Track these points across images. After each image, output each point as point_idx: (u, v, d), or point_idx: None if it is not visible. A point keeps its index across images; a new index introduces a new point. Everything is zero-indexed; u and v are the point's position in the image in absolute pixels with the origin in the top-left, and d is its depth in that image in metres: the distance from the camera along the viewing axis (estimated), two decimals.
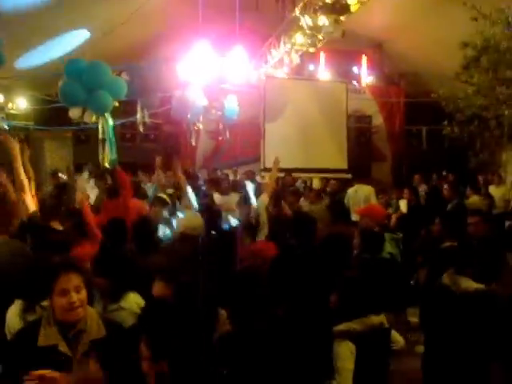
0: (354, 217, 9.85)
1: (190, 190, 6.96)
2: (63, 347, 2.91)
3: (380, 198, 10.10)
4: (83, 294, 2.95)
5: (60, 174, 12.23)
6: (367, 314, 3.34)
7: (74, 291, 2.90)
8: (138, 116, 8.59)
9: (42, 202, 5.12)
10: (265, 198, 7.02)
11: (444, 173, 14.36)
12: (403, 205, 9.97)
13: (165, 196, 6.96)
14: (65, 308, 2.89)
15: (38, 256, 3.92)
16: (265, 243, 5.22)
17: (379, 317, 3.40)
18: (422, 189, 12.00)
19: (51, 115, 16.28)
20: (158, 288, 3.22)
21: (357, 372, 3.25)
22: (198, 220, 5.52)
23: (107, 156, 7.01)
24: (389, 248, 5.01)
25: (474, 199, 9.42)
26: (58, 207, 5.18)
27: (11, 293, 3.59)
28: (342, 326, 3.36)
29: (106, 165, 7.36)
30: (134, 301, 3.71)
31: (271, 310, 4.26)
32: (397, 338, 3.72)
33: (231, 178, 12.59)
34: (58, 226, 5.06)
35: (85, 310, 2.97)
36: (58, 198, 5.65)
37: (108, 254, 3.81)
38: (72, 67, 6.39)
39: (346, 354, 3.26)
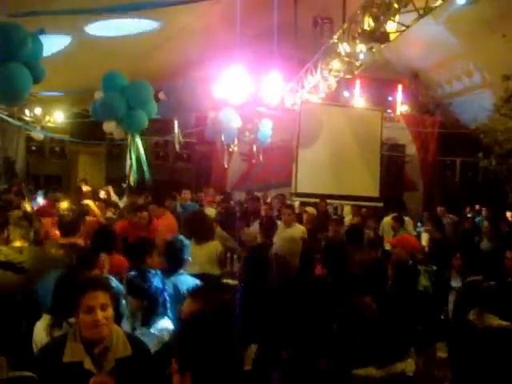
0: (388, 246, 9.82)
1: None
2: (88, 364, 2.87)
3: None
4: (109, 311, 2.92)
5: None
6: (390, 361, 3.16)
7: (99, 309, 2.87)
8: (175, 135, 8.62)
9: (61, 218, 5.08)
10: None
11: (477, 206, 14.14)
12: (425, 238, 9.79)
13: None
14: (89, 325, 2.86)
15: (68, 272, 3.91)
16: None
17: (403, 363, 3.18)
18: (446, 221, 11.82)
19: (86, 130, 16.56)
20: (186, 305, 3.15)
21: None
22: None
23: (133, 174, 7.04)
24: (423, 281, 4.88)
25: None
26: (78, 223, 5.15)
27: (40, 307, 3.59)
28: (361, 371, 3.21)
29: (131, 183, 7.40)
30: (164, 327, 3.66)
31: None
32: None
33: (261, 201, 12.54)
34: (79, 241, 5.03)
35: (110, 328, 2.93)
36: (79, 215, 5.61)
37: (139, 275, 3.78)
38: (112, 81, 6.43)
39: None
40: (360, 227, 8.02)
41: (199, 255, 5.87)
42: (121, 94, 6.32)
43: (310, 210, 10.33)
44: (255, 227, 8.13)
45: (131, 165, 6.88)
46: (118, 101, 6.27)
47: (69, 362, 2.87)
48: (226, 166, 12.03)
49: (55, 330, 3.48)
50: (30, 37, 4.89)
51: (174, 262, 4.73)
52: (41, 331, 3.52)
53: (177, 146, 9.12)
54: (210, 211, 9.40)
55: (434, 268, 5.39)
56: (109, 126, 6.56)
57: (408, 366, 3.11)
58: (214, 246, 6.25)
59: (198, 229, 6.18)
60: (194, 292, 3.07)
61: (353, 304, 3.77)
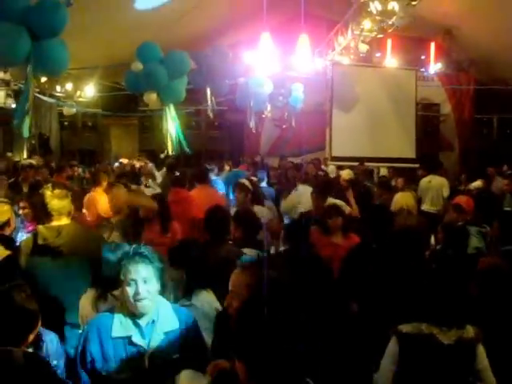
0: (425, 206, 9.69)
1: None
2: (136, 338, 2.87)
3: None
4: (152, 285, 2.90)
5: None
6: (424, 321, 3.07)
7: (141, 282, 2.85)
8: (209, 103, 8.56)
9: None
10: None
11: None
12: None
13: (246, 182, 6.86)
14: (131, 298, 2.85)
15: (111, 246, 3.91)
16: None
17: (439, 329, 3.08)
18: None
19: (118, 103, 16.64)
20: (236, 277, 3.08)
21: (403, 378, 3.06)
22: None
23: (173, 144, 6.99)
24: (475, 243, 4.74)
25: None
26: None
27: (85, 281, 3.60)
28: (399, 326, 3.16)
29: (170, 152, 7.38)
30: (206, 300, 3.64)
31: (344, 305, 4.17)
32: (485, 374, 3.05)
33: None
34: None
35: (153, 301, 2.91)
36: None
37: (185, 245, 3.76)
38: (147, 52, 6.36)
39: (388, 352, 3.10)
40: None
41: None
42: (161, 64, 6.26)
43: (346, 173, 10.18)
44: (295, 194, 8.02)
45: (170, 135, 6.83)
46: (160, 71, 6.20)
47: (117, 337, 2.87)
48: (254, 132, 11.95)
49: (101, 302, 3.49)
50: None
51: (215, 232, 4.67)
52: (87, 305, 3.54)
53: (211, 114, 9.07)
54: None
55: (488, 228, 5.19)
56: (150, 98, 6.49)
57: (442, 333, 3.02)
58: None
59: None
60: (244, 265, 3.01)
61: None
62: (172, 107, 6.72)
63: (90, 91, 14.98)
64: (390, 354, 3.09)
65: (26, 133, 5.05)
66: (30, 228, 5.35)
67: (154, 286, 2.92)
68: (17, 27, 4.71)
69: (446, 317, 3.03)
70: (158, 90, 6.39)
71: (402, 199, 7.08)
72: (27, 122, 5.01)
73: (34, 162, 10.31)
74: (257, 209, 6.27)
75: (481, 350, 3.02)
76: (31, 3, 4.84)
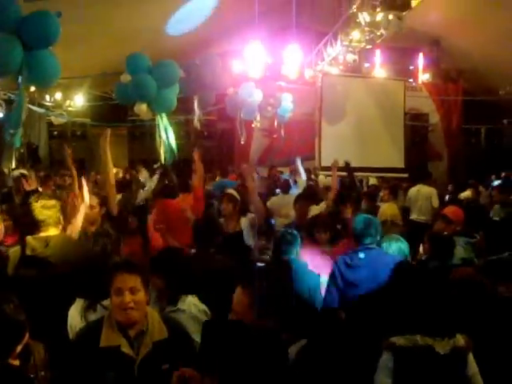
0: (414, 216, 9.76)
1: None
2: (126, 348, 2.86)
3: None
4: (140, 295, 2.90)
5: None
6: (417, 333, 3.04)
7: (128, 291, 2.85)
8: (196, 113, 8.56)
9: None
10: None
11: (503, 174, 13.91)
12: None
13: (234, 193, 6.85)
14: (119, 308, 2.86)
15: (99, 256, 3.91)
16: None
17: (432, 339, 3.03)
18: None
19: (107, 112, 16.59)
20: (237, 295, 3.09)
21: None
22: None
23: (166, 153, 7.02)
24: (462, 253, 4.75)
25: None
26: None
27: (74, 291, 3.59)
28: (391, 339, 3.16)
29: (163, 162, 7.40)
30: (191, 302, 3.65)
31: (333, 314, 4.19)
32: (476, 380, 3.10)
33: (286, 175, 12.50)
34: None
35: (141, 312, 2.91)
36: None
37: (166, 253, 3.76)
38: (136, 63, 6.37)
39: (381, 367, 3.07)
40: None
41: None
42: (150, 74, 6.27)
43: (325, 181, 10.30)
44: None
45: (163, 144, 6.85)
46: (149, 81, 6.21)
47: (106, 347, 2.86)
48: (243, 142, 11.97)
49: (90, 313, 3.48)
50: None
51: (201, 241, 4.68)
52: (75, 315, 3.52)
53: (197, 124, 9.06)
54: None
55: (478, 238, 5.20)
56: (140, 108, 6.50)
57: (439, 344, 3.03)
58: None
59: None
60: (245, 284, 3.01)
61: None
62: (164, 116, 6.74)
63: (79, 101, 14.99)
64: (385, 369, 3.07)
65: (17, 142, 5.06)
66: (9, 241, 5.24)
67: (142, 296, 2.91)
68: (10, 37, 4.72)
69: (440, 327, 3.06)
70: (147, 100, 6.40)
71: (386, 211, 7.18)
72: (19, 132, 5.02)
73: (25, 171, 10.22)
74: (243, 220, 6.27)
75: (471, 357, 3.07)
76: (23, 14, 4.85)
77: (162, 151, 6.83)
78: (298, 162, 10.87)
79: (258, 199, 6.59)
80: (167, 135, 6.82)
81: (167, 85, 6.40)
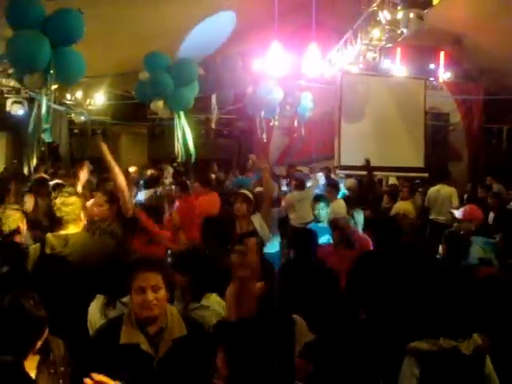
0: (433, 216, 9.69)
1: None
2: (145, 346, 2.88)
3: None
4: (161, 293, 2.92)
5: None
6: (439, 336, 3.00)
7: (150, 290, 2.87)
8: (213, 112, 8.59)
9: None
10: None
11: None
12: None
13: (248, 193, 6.84)
14: (140, 305, 2.88)
15: (121, 253, 3.93)
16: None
17: (455, 341, 2.99)
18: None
19: (127, 111, 16.72)
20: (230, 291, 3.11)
21: None
22: None
23: (182, 152, 7.05)
24: (479, 253, 4.70)
25: None
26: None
27: (95, 288, 3.61)
28: (411, 344, 3.11)
29: (179, 160, 7.44)
30: (215, 300, 3.65)
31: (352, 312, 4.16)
32: (493, 379, 3.08)
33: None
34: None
35: (162, 309, 2.93)
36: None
37: (190, 251, 3.76)
38: (154, 62, 6.43)
39: (406, 374, 3.01)
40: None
41: None
42: (167, 72, 6.31)
43: (349, 182, 10.29)
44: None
45: (180, 143, 6.89)
46: (166, 79, 6.25)
47: (125, 344, 2.88)
48: (265, 141, 11.95)
49: (109, 309, 3.50)
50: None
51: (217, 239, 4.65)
52: (95, 311, 3.55)
53: (213, 124, 9.08)
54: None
55: (497, 239, 5.14)
56: (157, 106, 6.55)
57: (464, 345, 2.99)
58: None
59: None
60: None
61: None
62: (182, 115, 6.77)
63: (99, 99, 15.07)
64: (410, 376, 3.00)
65: (48, 137, 5.11)
66: None
67: (163, 293, 2.93)
68: (38, 34, 4.77)
69: (462, 327, 3.03)
70: (164, 98, 6.44)
71: (400, 206, 7.17)
72: (49, 127, 5.08)
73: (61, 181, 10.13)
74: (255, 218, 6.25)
75: (487, 356, 3.04)
76: (48, 12, 4.91)
77: (178, 150, 6.86)
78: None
79: (269, 180, 6.49)
80: (184, 134, 6.85)
81: (185, 83, 6.45)
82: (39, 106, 5.66)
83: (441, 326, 3.04)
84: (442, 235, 4.82)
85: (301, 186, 9.41)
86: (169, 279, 3.04)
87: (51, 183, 8.80)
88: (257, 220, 6.14)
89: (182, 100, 6.53)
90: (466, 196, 11.33)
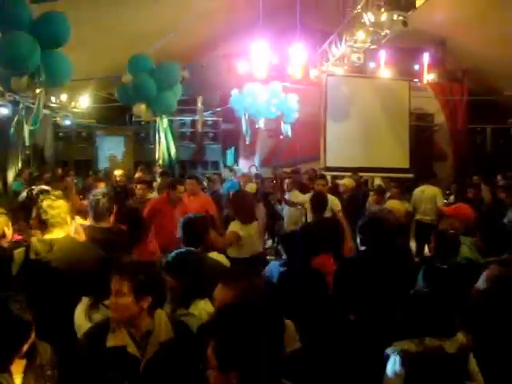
0: (419, 216, 9.76)
1: None
2: (131, 348, 2.87)
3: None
4: (123, 300, 2.85)
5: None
6: (424, 336, 3.03)
7: (114, 293, 2.87)
8: (198, 114, 8.60)
9: (96, 202, 4.93)
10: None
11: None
12: None
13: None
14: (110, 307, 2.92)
15: (105, 256, 3.90)
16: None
17: (439, 340, 3.02)
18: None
19: (112, 114, 16.65)
20: (218, 292, 3.11)
21: None
22: None
23: (163, 155, 7.05)
24: (466, 253, 4.74)
25: None
26: (112, 208, 5.04)
27: (79, 293, 3.59)
28: (396, 344, 3.13)
29: (160, 163, 7.43)
30: (203, 308, 3.64)
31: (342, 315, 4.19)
32: (476, 376, 3.12)
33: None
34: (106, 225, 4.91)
35: (122, 316, 2.89)
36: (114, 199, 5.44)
37: (180, 255, 3.74)
38: (137, 64, 6.42)
39: (391, 374, 3.03)
40: None
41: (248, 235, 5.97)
42: (150, 76, 6.30)
43: (346, 181, 10.31)
44: None
45: (161, 146, 6.88)
46: (148, 83, 6.24)
47: (112, 347, 2.87)
48: (248, 143, 11.95)
49: (93, 312, 3.49)
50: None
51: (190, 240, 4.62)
52: (80, 314, 3.53)
53: (199, 126, 9.08)
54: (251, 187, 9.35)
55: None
56: (139, 109, 6.54)
57: (447, 344, 3.02)
58: (258, 225, 6.25)
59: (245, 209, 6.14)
60: (226, 279, 3.05)
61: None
62: (164, 119, 6.77)
63: (84, 102, 15.02)
64: (395, 376, 3.02)
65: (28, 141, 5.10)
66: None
67: (125, 300, 2.87)
68: (29, 37, 4.75)
69: (446, 327, 3.05)
70: (147, 101, 6.43)
71: (391, 203, 7.21)
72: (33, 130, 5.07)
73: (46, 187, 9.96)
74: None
75: (471, 354, 3.08)
76: (34, 15, 4.89)
77: (160, 153, 6.87)
78: None
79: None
80: (166, 137, 6.85)
81: (167, 86, 6.44)
82: (25, 109, 5.64)
83: (425, 325, 3.07)
84: (431, 235, 4.85)
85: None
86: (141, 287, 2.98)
87: (36, 189, 8.76)
88: None
89: (165, 103, 6.52)
90: (451, 196, 11.41)
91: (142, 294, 2.89)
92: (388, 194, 9.54)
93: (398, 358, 3.01)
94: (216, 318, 2.56)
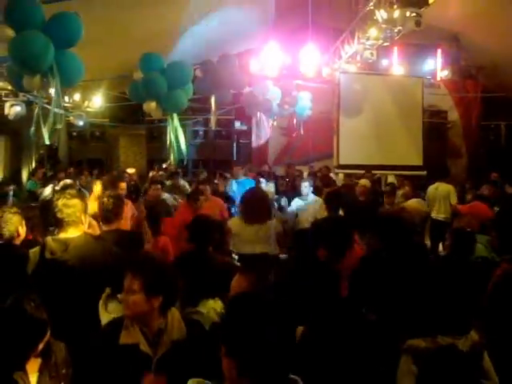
0: (433, 214, 9.71)
1: None
2: (144, 346, 2.87)
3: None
4: (134, 297, 2.86)
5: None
6: (437, 334, 3.00)
7: (125, 290, 2.87)
8: (212, 113, 8.60)
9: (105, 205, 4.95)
10: None
11: None
12: None
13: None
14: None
15: (120, 256, 3.91)
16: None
17: (452, 338, 3.00)
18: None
19: (125, 113, 16.72)
20: (236, 282, 3.11)
21: None
22: None
23: (174, 153, 7.05)
24: (482, 252, 4.70)
25: None
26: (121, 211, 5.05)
27: (95, 293, 3.60)
28: (409, 342, 3.12)
29: (172, 162, 7.43)
30: (212, 306, 3.65)
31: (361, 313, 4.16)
32: (491, 373, 3.10)
33: (305, 174, 12.44)
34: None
35: (133, 313, 2.88)
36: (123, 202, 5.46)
37: (188, 255, 3.75)
38: (149, 62, 6.43)
39: (404, 372, 3.01)
40: None
41: (259, 235, 5.91)
42: (161, 74, 6.31)
43: (363, 182, 10.27)
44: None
45: (171, 145, 6.88)
46: (159, 80, 6.25)
47: (125, 344, 2.88)
48: (261, 141, 11.95)
49: (109, 301, 3.50)
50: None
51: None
52: (101, 305, 3.55)
53: (213, 124, 9.07)
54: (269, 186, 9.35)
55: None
56: (149, 107, 6.55)
57: (461, 342, 3.00)
58: (273, 225, 6.12)
59: (258, 208, 6.09)
60: (244, 269, 3.05)
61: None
62: (175, 117, 6.77)
63: (97, 101, 15.09)
64: (408, 374, 3.00)
65: (48, 140, 5.12)
66: None
67: (136, 298, 2.86)
68: (43, 36, 4.76)
69: (459, 325, 3.03)
70: (157, 99, 6.44)
71: (411, 204, 7.17)
72: (47, 130, 5.09)
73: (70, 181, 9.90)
74: None
75: (485, 352, 3.05)
76: (47, 15, 4.91)
77: (170, 152, 6.86)
78: None
79: None
80: (177, 136, 6.84)
81: (178, 85, 6.44)
82: (40, 109, 5.68)
83: (438, 323, 3.05)
84: (446, 233, 4.82)
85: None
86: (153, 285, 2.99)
87: (60, 184, 8.83)
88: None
89: (175, 102, 6.51)
90: (468, 196, 11.32)
91: (154, 293, 2.89)
92: (401, 192, 9.51)
93: (409, 356, 3.00)
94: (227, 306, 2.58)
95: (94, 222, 4.90)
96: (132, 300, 2.87)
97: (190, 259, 3.69)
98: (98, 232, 4.73)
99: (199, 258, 3.73)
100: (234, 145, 19.73)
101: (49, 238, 3.92)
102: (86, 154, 19.67)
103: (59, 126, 5.53)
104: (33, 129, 5.31)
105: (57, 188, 8.39)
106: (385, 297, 4.04)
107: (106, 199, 4.85)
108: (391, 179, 12.83)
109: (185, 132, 7.18)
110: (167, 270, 3.11)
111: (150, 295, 2.89)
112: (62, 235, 3.92)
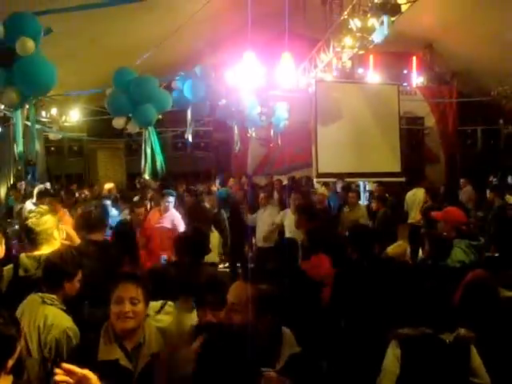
0: (411, 219, 9.80)
1: None
2: (123, 361, 2.85)
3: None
4: (139, 307, 2.89)
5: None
6: (420, 325, 3.13)
7: (128, 301, 2.86)
8: (188, 125, 8.58)
9: (88, 214, 4.92)
10: None
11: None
12: None
13: None
14: (117, 316, 2.86)
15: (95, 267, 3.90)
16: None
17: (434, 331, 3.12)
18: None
19: (103, 127, 16.59)
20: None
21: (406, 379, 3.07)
22: None
23: (148, 168, 7.03)
24: (461, 256, 4.70)
25: None
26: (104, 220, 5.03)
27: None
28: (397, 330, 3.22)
29: (146, 176, 7.40)
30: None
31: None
32: (481, 372, 3.13)
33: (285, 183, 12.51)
34: (99, 237, 4.89)
35: (138, 323, 2.90)
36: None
37: (164, 268, 3.76)
38: (121, 78, 6.42)
39: (389, 356, 3.13)
40: None
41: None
42: (126, 89, 6.31)
43: (322, 190, 10.35)
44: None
45: (146, 158, 6.87)
46: (121, 97, 6.26)
47: (104, 360, 2.85)
48: (236, 151, 11.96)
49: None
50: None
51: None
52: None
53: (188, 136, 9.05)
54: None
55: (482, 242, 5.16)
56: (118, 122, 6.57)
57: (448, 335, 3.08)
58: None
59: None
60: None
61: None
62: (152, 130, 6.75)
63: (75, 116, 15.00)
64: (392, 358, 3.12)
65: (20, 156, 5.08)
66: None
67: (141, 307, 2.91)
68: None
69: (442, 322, 3.12)
70: (125, 114, 6.47)
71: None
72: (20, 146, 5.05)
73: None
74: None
75: (474, 350, 3.12)
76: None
77: (145, 165, 6.85)
78: None
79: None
80: (153, 149, 6.83)
81: (144, 99, 6.41)
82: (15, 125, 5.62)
83: (423, 318, 3.16)
84: (422, 236, 4.88)
85: None
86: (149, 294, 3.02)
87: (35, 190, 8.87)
88: None
89: (144, 115, 6.48)
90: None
91: (147, 302, 2.96)
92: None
93: (394, 341, 3.12)
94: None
95: (72, 232, 4.86)
96: (138, 310, 2.89)
97: (165, 272, 3.69)
98: (76, 242, 4.70)
99: (196, 270, 3.75)
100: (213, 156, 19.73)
101: (22, 255, 3.89)
102: (64, 169, 19.50)
103: (37, 144, 5.49)
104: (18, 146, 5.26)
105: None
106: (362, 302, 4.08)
107: (92, 208, 4.87)
108: (370, 186, 12.91)
109: (165, 145, 7.17)
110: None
111: (147, 304, 2.96)
112: (36, 252, 3.90)
